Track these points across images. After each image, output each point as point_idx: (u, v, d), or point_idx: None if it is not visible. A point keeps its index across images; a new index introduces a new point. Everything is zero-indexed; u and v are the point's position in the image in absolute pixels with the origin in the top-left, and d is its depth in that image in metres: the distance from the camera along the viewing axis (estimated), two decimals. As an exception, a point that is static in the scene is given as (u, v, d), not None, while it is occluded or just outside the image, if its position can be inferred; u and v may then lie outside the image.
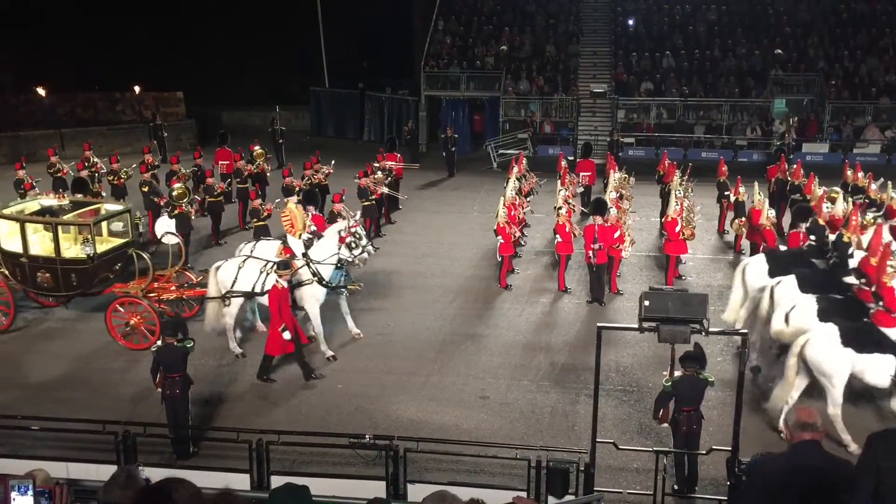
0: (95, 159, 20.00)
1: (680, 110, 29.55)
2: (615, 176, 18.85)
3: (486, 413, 10.76)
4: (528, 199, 18.82)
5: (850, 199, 16.10)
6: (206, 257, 17.24)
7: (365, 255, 12.63)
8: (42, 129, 28.61)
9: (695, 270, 16.41)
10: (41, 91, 29.47)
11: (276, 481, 7.58)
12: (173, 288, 13.26)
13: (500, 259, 15.52)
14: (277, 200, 17.36)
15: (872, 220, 15.06)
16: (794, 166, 19.60)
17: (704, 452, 8.83)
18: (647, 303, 7.62)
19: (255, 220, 16.48)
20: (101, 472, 7.25)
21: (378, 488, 8.06)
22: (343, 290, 12.74)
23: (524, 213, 17.80)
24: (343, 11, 35.08)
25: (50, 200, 13.94)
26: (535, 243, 18.35)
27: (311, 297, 12.19)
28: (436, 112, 31.16)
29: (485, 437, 9.69)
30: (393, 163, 20.65)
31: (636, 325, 7.85)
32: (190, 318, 12.97)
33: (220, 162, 21.65)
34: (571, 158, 22.99)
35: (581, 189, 19.94)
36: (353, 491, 7.71)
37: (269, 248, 12.94)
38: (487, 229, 17.03)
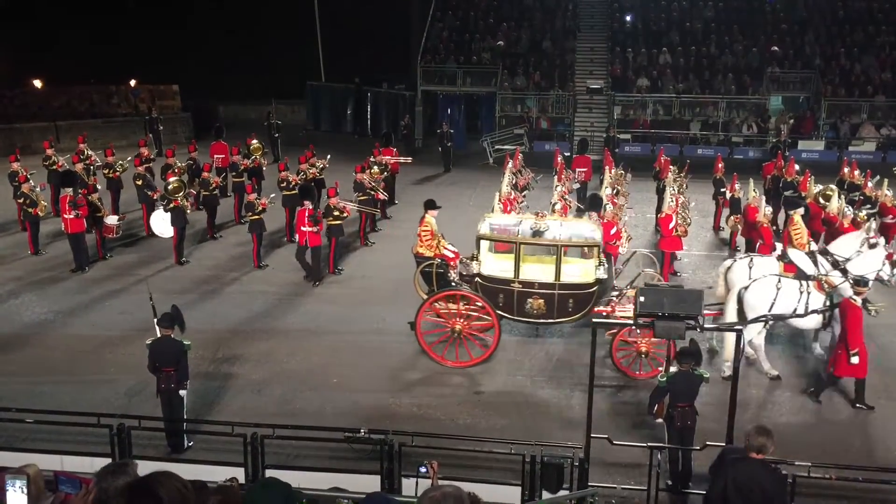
0: (90, 152, 19.92)
1: (676, 107, 29.59)
2: (611, 172, 18.85)
3: (481, 408, 10.78)
4: (523, 194, 18.78)
5: (843, 197, 16.13)
6: (200, 252, 17.23)
7: None
8: (37, 121, 28.49)
9: (690, 267, 16.43)
10: (36, 83, 29.35)
11: (271, 475, 7.58)
12: None
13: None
14: (272, 195, 17.34)
15: (866, 217, 15.13)
16: (788, 163, 19.65)
17: (699, 448, 8.83)
18: (642, 299, 7.64)
19: (250, 214, 16.44)
20: (96, 465, 7.23)
21: (373, 482, 8.06)
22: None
23: (520, 208, 17.75)
24: (340, 5, 35.00)
25: (499, 219, 12.74)
26: (531, 239, 18.30)
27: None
28: (433, 107, 31.13)
29: (480, 432, 9.69)
30: (390, 157, 20.64)
31: (631, 321, 7.86)
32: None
33: (216, 156, 21.59)
34: (568, 154, 22.96)
35: (577, 185, 19.92)
36: (347, 485, 7.70)
37: (767, 265, 11.54)
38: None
